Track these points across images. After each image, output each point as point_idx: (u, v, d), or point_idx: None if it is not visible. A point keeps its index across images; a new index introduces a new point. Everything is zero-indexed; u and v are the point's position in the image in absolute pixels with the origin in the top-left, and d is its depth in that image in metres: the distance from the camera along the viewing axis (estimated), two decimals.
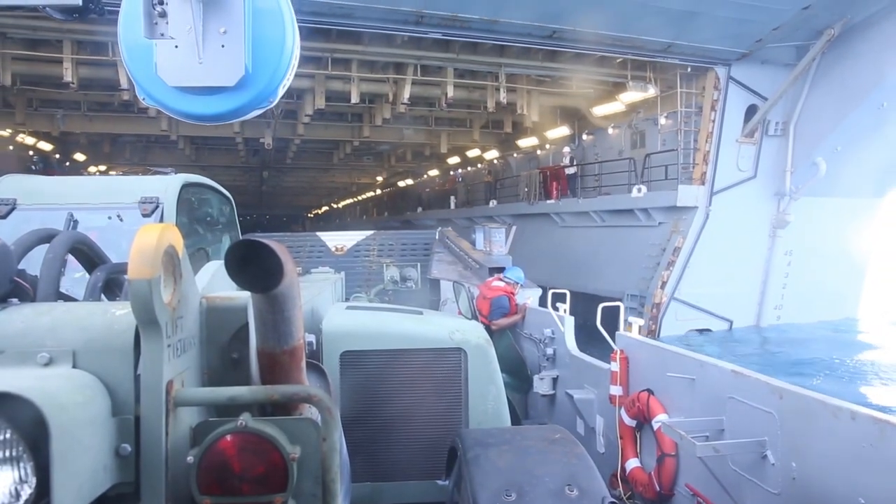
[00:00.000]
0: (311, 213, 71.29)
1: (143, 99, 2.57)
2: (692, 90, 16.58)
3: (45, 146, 24.40)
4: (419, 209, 38.40)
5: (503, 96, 18.44)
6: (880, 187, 17.23)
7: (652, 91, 17.26)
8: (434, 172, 37.64)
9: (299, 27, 2.61)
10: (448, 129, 25.93)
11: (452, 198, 33.51)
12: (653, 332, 16.19)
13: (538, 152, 25.74)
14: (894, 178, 17.18)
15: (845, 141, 15.11)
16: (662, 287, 16.45)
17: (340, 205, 62.33)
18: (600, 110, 19.72)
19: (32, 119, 20.41)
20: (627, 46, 15.13)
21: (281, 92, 2.63)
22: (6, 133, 21.87)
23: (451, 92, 17.93)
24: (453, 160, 32.29)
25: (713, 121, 16.17)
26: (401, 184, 43.40)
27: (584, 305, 9.93)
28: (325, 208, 66.69)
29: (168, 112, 2.62)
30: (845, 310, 18.61)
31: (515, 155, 27.71)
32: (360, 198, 55.43)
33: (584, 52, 15.47)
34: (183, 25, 2.33)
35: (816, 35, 14.29)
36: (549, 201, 22.20)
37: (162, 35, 2.32)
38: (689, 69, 16.15)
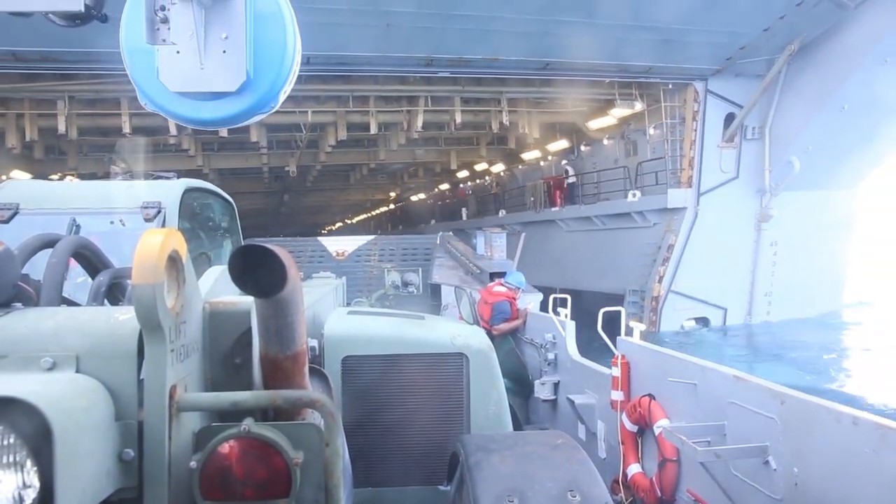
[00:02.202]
0: (325, 229, 72.62)
1: (145, 104, 2.56)
2: (675, 103, 18.24)
3: None
4: (432, 221, 39.98)
5: (506, 118, 20.10)
6: (852, 179, 18.75)
7: (639, 106, 18.95)
8: (445, 186, 39.19)
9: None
10: (457, 147, 27.56)
11: (464, 209, 35.17)
12: (654, 323, 17.89)
13: (541, 164, 27.40)
14: (865, 171, 18.83)
15: (815, 140, 16.65)
16: (660, 281, 18.05)
17: (354, 220, 63.32)
18: (595, 124, 21.31)
19: (83, 163, 22.55)
20: (613, 70, 16.97)
21: (282, 98, 2.61)
22: (56, 177, 24.07)
23: (459, 118, 19.73)
24: (462, 174, 33.72)
25: (696, 129, 17.82)
26: (413, 198, 44.68)
27: (590, 302, 10.68)
28: (339, 224, 68.00)
29: (170, 117, 2.61)
30: (832, 292, 20.16)
31: (520, 167, 29.32)
32: (374, 213, 56.37)
33: (574, 78, 17.28)
34: (185, 31, 2.33)
35: (780, 50, 15.94)
36: (553, 209, 23.91)
37: (164, 41, 2.32)
38: (670, 85, 17.87)
